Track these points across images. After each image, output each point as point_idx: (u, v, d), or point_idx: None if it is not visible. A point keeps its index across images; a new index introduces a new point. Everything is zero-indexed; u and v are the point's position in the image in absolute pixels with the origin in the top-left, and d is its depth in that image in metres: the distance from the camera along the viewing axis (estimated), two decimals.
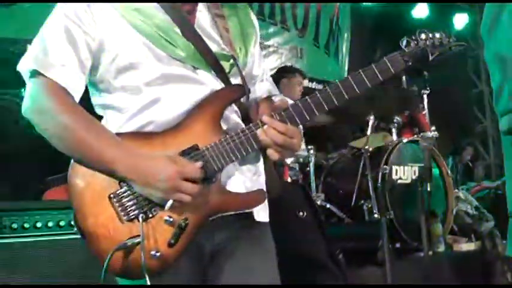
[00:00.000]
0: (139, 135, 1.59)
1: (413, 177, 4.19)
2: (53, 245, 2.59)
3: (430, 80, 5.20)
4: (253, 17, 1.92)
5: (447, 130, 5.74)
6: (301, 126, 1.71)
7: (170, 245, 1.52)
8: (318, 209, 3.44)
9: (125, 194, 1.53)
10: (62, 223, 2.62)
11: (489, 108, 9.75)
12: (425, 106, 5.06)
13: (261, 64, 1.93)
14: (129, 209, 1.52)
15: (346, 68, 7.69)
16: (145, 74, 1.62)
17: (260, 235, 1.76)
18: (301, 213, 3.16)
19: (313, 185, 4.26)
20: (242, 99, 1.76)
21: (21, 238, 2.51)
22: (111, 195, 1.53)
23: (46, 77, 1.56)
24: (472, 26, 9.16)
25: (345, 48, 7.76)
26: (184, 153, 1.56)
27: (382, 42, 8.14)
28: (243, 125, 1.69)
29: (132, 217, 1.52)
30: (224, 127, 1.65)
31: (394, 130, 4.57)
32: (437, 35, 1.74)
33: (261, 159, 1.79)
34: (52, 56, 1.57)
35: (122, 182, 1.53)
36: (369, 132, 4.29)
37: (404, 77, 4.85)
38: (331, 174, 4.51)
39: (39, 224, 2.57)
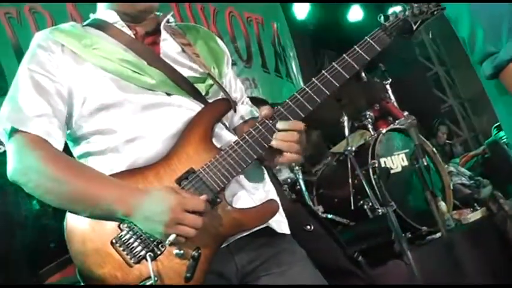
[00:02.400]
0: (131, 172, 1.50)
1: (403, 164, 4.16)
2: None
3: (387, 70, 5.24)
4: (220, 42, 1.90)
5: (416, 116, 5.78)
6: None
7: (187, 279, 1.41)
8: (323, 219, 3.36)
9: (127, 236, 1.43)
10: None
11: (448, 86, 9.90)
12: (391, 95, 5.08)
13: (238, 86, 1.88)
14: (135, 251, 1.43)
15: (302, 85, 7.70)
16: (118, 111, 1.55)
17: (288, 246, 1.67)
18: (308, 227, 3.07)
19: (308, 200, 4.19)
20: (229, 113, 1.69)
21: None
22: (114, 241, 1.43)
23: (24, 132, 1.48)
24: None
25: (294, 66, 7.78)
26: (181, 179, 1.48)
27: (327, 53, 8.25)
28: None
29: (140, 258, 1.42)
30: (218, 145, 1.57)
31: (369, 126, 4.54)
32: (416, 4, 1.68)
33: (265, 171, 1.71)
34: (26, 110, 1.50)
35: (122, 224, 1.44)
36: (346, 133, 4.25)
37: (363, 73, 4.86)
38: (322, 185, 4.44)
39: None
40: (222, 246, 1.51)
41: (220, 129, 1.65)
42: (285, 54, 7.71)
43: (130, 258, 1.42)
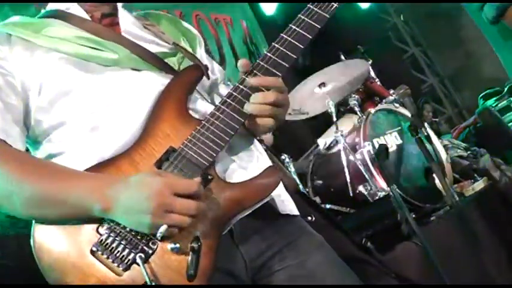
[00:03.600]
0: (100, 166, 1.28)
1: (397, 142, 3.99)
2: None
3: (366, 51, 5.12)
4: (189, 25, 1.72)
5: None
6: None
7: (191, 277, 1.17)
8: (324, 209, 3.17)
9: (109, 240, 1.20)
10: None
11: (426, 66, 9.79)
12: (374, 75, 4.92)
13: (216, 67, 1.71)
14: (121, 255, 1.19)
15: None
16: (81, 95, 1.35)
17: (302, 231, 1.49)
18: (309, 218, 2.87)
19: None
20: (202, 80, 1.50)
21: None
22: (94, 249, 1.20)
23: None
24: (378, 5, 9.18)
25: None
26: (161, 162, 1.26)
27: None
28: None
29: (129, 263, 1.19)
30: (196, 116, 1.37)
31: (356, 108, 4.35)
32: None
33: (255, 141, 1.51)
34: None
35: (101, 228, 1.21)
36: (334, 118, 4.07)
37: (342, 56, 4.70)
38: (315, 176, 4.24)
39: None
40: (224, 232, 1.29)
41: (195, 99, 1.45)
42: (258, 52, 7.55)
43: (118, 266, 1.19)
